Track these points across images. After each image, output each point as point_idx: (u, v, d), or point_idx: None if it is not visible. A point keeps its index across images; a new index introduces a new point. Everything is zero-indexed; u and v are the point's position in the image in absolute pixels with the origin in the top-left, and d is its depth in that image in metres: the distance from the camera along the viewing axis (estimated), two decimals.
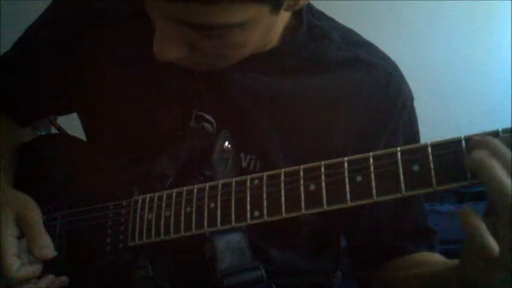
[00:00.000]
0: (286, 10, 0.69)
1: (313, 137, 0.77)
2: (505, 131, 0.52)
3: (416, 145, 0.56)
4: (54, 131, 1.36)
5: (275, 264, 0.78)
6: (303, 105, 0.77)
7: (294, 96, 0.77)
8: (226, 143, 0.72)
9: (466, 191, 2.08)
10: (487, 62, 2.23)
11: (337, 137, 0.77)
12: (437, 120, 1.83)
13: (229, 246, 0.67)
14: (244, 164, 0.76)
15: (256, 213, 0.63)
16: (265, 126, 0.76)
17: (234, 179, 0.65)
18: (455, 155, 0.53)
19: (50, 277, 0.74)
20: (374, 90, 0.79)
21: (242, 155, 0.76)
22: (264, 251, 0.77)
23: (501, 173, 0.51)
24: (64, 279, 0.74)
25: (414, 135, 0.82)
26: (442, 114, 2.07)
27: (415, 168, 0.54)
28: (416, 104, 0.83)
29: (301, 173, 0.60)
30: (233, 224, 0.64)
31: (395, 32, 2.18)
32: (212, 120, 0.76)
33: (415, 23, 2.25)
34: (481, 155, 0.51)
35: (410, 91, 0.82)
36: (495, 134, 0.53)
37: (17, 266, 0.71)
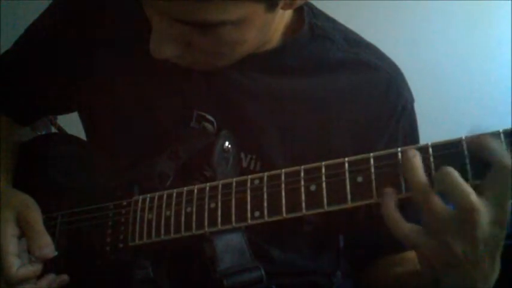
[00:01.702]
0: (283, 9, 0.69)
1: (313, 138, 0.77)
2: (506, 132, 0.52)
3: (417, 145, 0.56)
4: (54, 131, 1.36)
5: (276, 264, 0.78)
6: (303, 105, 0.77)
7: (294, 97, 0.77)
8: (227, 143, 0.72)
9: None
10: (487, 62, 2.23)
11: (337, 138, 0.77)
12: (438, 121, 1.83)
13: (229, 246, 0.67)
14: (244, 164, 0.76)
15: (257, 214, 0.63)
16: (265, 126, 0.76)
17: (235, 179, 0.65)
18: (455, 156, 0.53)
19: (51, 276, 0.74)
20: (375, 91, 0.79)
21: (242, 155, 0.76)
22: (265, 251, 0.77)
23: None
24: (65, 278, 0.74)
25: (414, 137, 0.82)
26: (442, 114, 2.06)
27: None
28: (416, 104, 0.83)
29: (302, 174, 0.60)
30: (233, 224, 0.64)
31: (394, 32, 2.18)
32: (213, 120, 0.76)
33: (415, 23, 2.25)
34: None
35: (410, 93, 0.82)
36: (496, 135, 0.53)
37: (17, 265, 0.71)
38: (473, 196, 0.52)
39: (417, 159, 0.54)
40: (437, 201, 0.54)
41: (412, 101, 0.82)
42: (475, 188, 0.53)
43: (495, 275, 0.58)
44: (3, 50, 0.92)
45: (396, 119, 0.79)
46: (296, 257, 0.81)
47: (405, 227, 0.57)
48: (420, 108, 0.84)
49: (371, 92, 0.79)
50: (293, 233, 0.79)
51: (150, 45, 0.66)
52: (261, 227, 0.73)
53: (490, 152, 0.52)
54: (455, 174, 0.53)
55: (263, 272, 0.67)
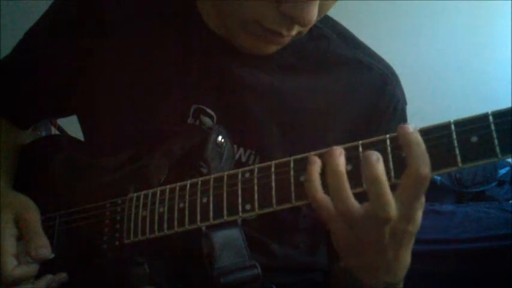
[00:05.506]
0: None
1: (311, 134, 0.77)
2: (494, 113, 0.52)
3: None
4: (54, 130, 1.36)
5: (276, 259, 0.78)
6: (302, 102, 0.78)
7: (294, 94, 0.78)
8: (220, 138, 0.72)
9: (466, 191, 2.07)
10: (487, 62, 2.23)
11: (334, 135, 0.77)
12: (437, 120, 1.82)
13: (227, 244, 0.67)
14: (243, 159, 0.76)
15: (248, 207, 0.62)
16: (265, 121, 0.77)
17: (226, 173, 0.65)
18: (447, 139, 0.54)
19: (49, 277, 0.74)
20: (370, 91, 0.80)
21: (242, 150, 0.76)
22: (265, 245, 0.78)
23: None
24: (63, 276, 0.74)
25: None
26: (442, 114, 2.06)
27: (404, 155, 0.54)
28: (415, 103, 0.84)
29: (292, 164, 0.60)
30: (225, 218, 0.63)
31: (395, 31, 2.18)
32: (213, 113, 0.77)
33: (415, 23, 2.26)
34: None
35: (403, 95, 0.83)
36: (485, 116, 0.52)
37: (13, 265, 0.71)
38: (390, 198, 0.53)
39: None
40: (351, 196, 0.55)
41: (404, 102, 0.83)
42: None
43: (401, 267, 0.60)
44: (3, 50, 0.93)
45: (387, 118, 0.80)
46: (295, 252, 0.82)
47: (321, 197, 0.57)
48: (420, 108, 0.84)
49: (367, 92, 0.80)
50: (290, 228, 0.80)
51: (296, 12, 0.65)
52: (259, 222, 0.73)
53: (412, 157, 0.53)
54: (380, 169, 0.53)
55: (260, 271, 0.67)
